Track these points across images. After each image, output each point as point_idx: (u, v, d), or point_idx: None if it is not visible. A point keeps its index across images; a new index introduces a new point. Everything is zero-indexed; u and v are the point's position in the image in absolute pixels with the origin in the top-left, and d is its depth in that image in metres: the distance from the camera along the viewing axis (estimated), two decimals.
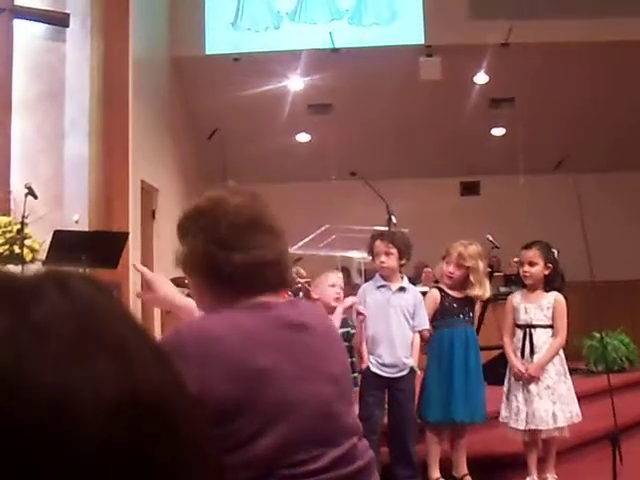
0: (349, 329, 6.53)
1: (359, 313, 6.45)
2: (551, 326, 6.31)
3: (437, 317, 6.58)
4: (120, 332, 0.79)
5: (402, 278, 6.65)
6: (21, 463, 0.67)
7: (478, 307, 6.81)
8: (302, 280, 9.77)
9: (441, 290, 6.64)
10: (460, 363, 6.45)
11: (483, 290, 6.61)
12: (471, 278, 6.54)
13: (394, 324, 6.46)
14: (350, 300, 6.42)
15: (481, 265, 6.60)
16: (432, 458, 6.47)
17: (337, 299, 6.40)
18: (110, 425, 0.71)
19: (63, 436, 0.69)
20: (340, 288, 6.44)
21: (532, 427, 6.20)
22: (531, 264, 6.36)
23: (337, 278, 6.50)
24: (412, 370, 6.47)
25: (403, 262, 6.57)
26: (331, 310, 6.28)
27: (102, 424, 0.71)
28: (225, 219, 2.47)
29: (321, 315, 2.80)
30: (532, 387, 6.22)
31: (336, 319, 6.11)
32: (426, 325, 6.52)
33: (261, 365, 2.31)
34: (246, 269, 2.44)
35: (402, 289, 6.56)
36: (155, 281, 3.05)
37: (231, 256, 2.42)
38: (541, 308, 6.32)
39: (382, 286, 6.56)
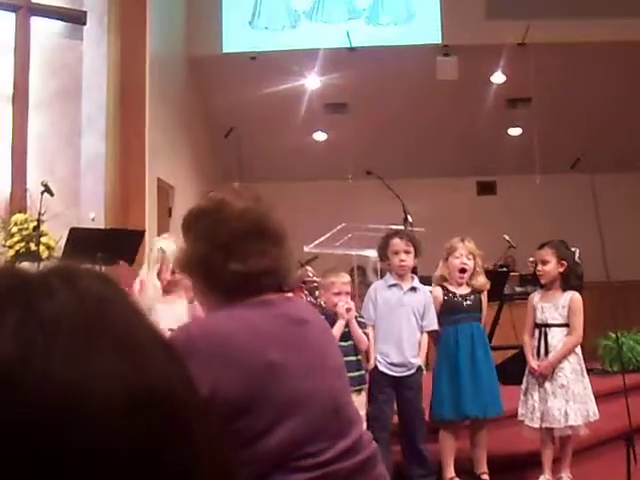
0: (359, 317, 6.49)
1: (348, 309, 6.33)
2: (566, 325, 6.30)
3: (441, 315, 6.57)
4: (130, 328, 0.78)
5: (412, 278, 6.64)
6: (34, 460, 0.67)
7: (485, 306, 6.78)
8: (318, 279, 9.74)
9: (444, 288, 6.64)
10: (466, 359, 6.44)
11: (485, 279, 6.64)
12: (477, 268, 6.57)
13: (404, 323, 6.45)
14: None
15: (479, 256, 6.68)
16: (446, 457, 6.46)
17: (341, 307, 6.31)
18: (123, 422, 0.71)
19: (75, 433, 0.69)
20: (346, 294, 6.35)
21: (546, 425, 6.20)
22: (544, 262, 6.36)
23: (342, 285, 6.36)
24: (420, 369, 6.47)
25: (415, 261, 6.58)
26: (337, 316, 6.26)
27: (115, 421, 0.70)
28: (227, 224, 2.52)
29: (315, 311, 2.88)
30: (547, 385, 6.22)
31: (337, 331, 6.05)
32: (435, 326, 6.51)
33: (270, 360, 2.35)
34: (241, 277, 2.48)
35: (413, 289, 6.54)
36: None
37: (228, 263, 2.47)
38: (556, 307, 6.31)
39: (393, 285, 6.55)
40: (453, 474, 6.42)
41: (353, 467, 2.43)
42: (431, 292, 6.75)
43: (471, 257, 6.57)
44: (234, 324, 2.43)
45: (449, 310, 6.54)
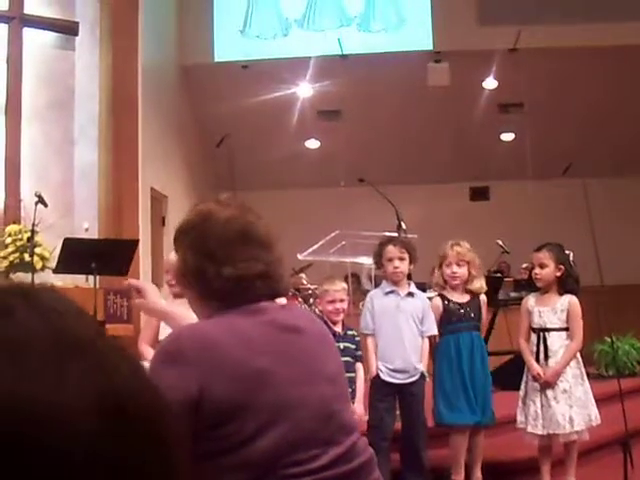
0: (354, 331, 6.52)
1: None
2: (565, 329, 6.26)
3: (442, 324, 6.56)
4: (92, 339, 0.79)
5: (409, 284, 6.63)
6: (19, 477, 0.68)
7: (484, 311, 6.76)
8: (312, 287, 9.75)
9: (443, 297, 6.61)
10: (467, 367, 6.43)
11: (482, 282, 6.62)
12: (472, 271, 6.53)
13: (405, 329, 6.44)
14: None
15: (476, 258, 6.61)
16: (458, 459, 6.39)
17: (337, 313, 6.40)
18: (99, 432, 0.71)
19: (60, 449, 0.69)
20: (340, 301, 6.42)
21: (550, 432, 6.15)
22: (541, 266, 6.34)
23: (334, 292, 6.46)
24: (422, 375, 6.46)
25: (411, 267, 6.57)
26: (333, 324, 6.31)
27: (92, 432, 0.71)
28: (214, 233, 2.56)
29: (313, 318, 2.89)
30: (549, 391, 6.17)
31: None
32: (434, 330, 6.50)
33: (259, 367, 2.39)
34: (235, 282, 2.52)
35: (410, 294, 6.54)
36: (147, 289, 3.15)
37: (220, 270, 2.51)
38: (555, 311, 6.28)
39: (390, 292, 6.54)
40: (463, 476, 6.39)
41: (345, 474, 2.44)
42: (430, 299, 6.75)
43: (463, 263, 6.54)
44: (223, 331, 2.45)
45: (449, 319, 6.52)
